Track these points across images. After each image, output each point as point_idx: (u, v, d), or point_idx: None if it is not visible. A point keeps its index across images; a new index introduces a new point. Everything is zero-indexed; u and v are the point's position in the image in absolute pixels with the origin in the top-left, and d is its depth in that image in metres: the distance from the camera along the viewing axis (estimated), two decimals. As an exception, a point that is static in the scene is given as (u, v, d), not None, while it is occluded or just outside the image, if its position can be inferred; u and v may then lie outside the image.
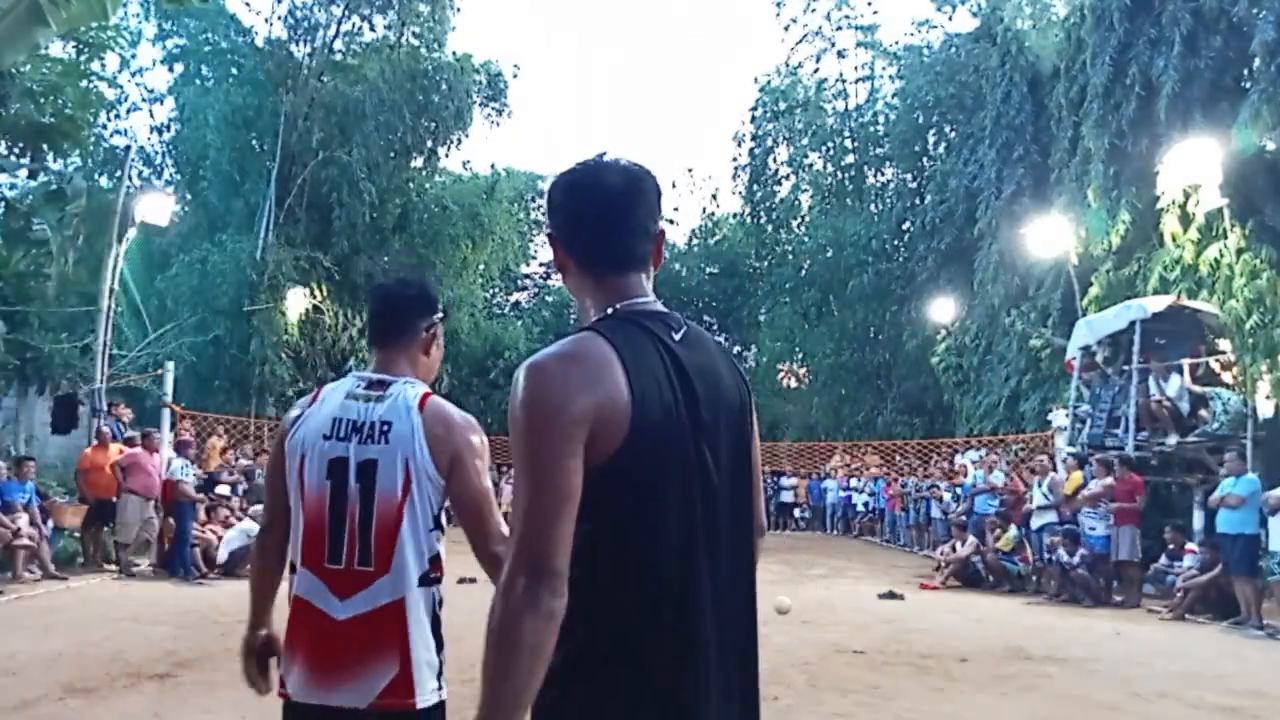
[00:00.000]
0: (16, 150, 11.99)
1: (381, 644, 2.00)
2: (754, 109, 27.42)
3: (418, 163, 24.78)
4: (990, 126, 18.82)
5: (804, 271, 25.85)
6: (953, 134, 22.99)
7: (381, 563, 2.03)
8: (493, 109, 25.48)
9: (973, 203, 19.55)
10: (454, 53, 24.49)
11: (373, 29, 23.67)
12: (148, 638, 7.41)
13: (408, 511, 2.04)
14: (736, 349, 32.65)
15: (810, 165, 26.89)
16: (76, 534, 11.18)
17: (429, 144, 24.39)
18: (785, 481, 21.86)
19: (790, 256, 26.99)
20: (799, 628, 8.02)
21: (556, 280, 34.71)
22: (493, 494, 2.17)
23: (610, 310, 1.53)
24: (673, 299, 32.72)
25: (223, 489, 12.37)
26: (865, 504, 19.99)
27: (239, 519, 11.67)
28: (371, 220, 22.33)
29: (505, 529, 1.97)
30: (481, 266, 27.03)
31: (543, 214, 35.95)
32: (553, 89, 68.00)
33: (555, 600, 1.30)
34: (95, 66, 14.83)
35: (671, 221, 34.35)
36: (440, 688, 2.06)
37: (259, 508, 12.45)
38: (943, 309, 20.32)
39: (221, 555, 11.05)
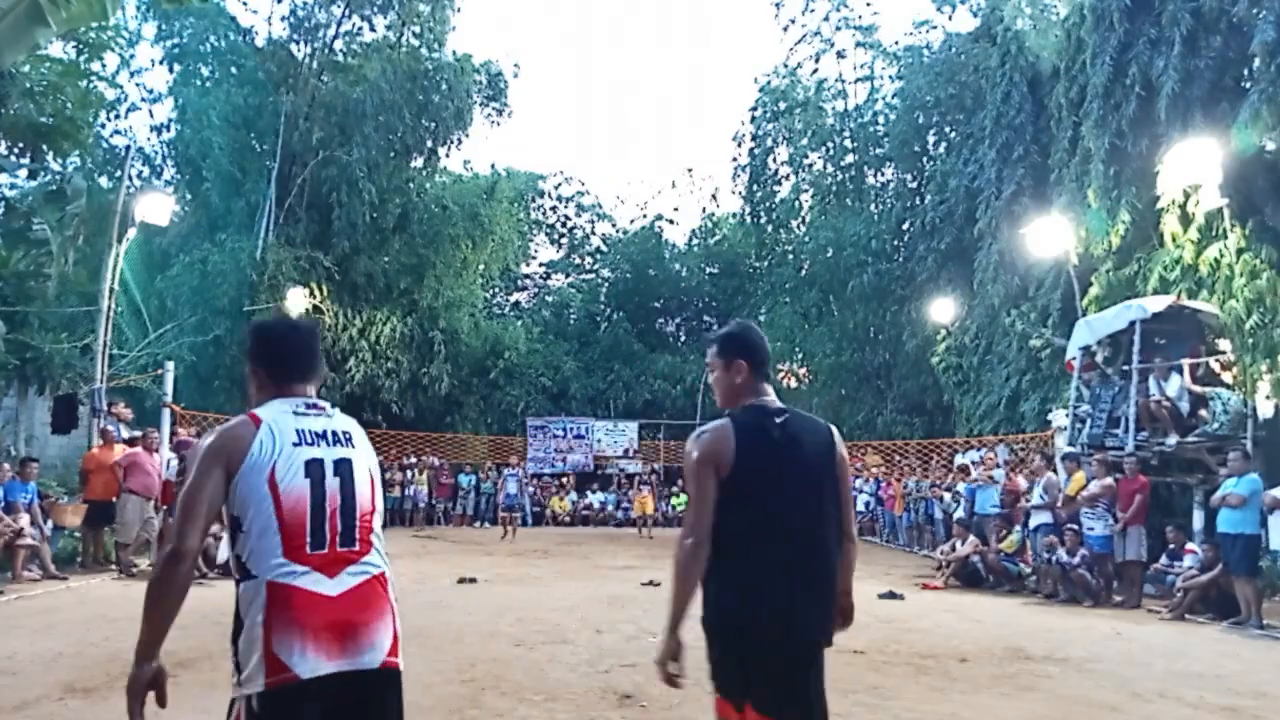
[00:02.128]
0: (16, 150, 11.97)
1: (377, 611, 2.37)
2: (754, 109, 27.42)
3: (418, 163, 24.80)
4: (990, 126, 18.80)
5: (804, 271, 25.83)
6: (953, 134, 22.97)
7: (364, 544, 2.41)
8: (493, 109, 25.55)
9: (972, 203, 19.54)
10: (454, 52, 24.53)
11: (373, 29, 23.73)
12: (147, 638, 7.40)
13: (376, 501, 2.49)
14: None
15: (810, 165, 26.87)
16: (77, 534, 11.18)
17: (429, 144, 24.43)
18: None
19: (790, 256, 26.98)
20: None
21: (556, 280, 34.75)
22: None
23: (743, 407, 2.90)
24: (673, 299, 32.75)
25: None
26: (865, 504, 19.97)
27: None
28: (372, 220, 22.34)
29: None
30: (481, 266, 27.02)
31: (543, 214, 35.91)
32: (552, 88, 68.02)
33: (703, 550, 2.69)
34: (95, 66, 14.82)
35: (671, 221, 34.40)
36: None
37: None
38: (943, 309, 20.31)
39: (221, 555, 11.04)
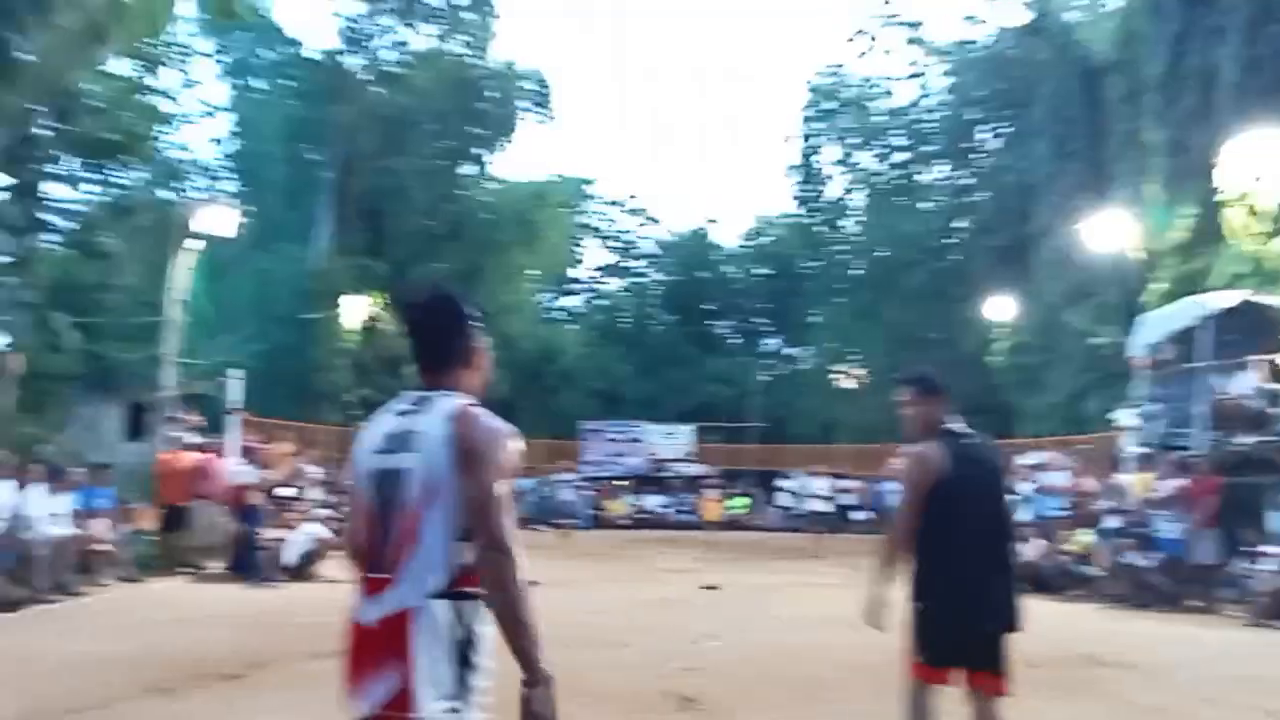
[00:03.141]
0: (85, 165, 12.39)
1: (387, 653, 2.00)
2: (804, 108, 27.29)
3: (468, 170, 25.08)
4: (1043, 121, 18.49)
5: (856, 271, 25.63)
6: (1005, 129, 22.62)
7: (396, 571, 2.04)
8: (540, 114, 25.76)
9: (1027, 199, 19.23)
10: (500, 60, 24.77)
11: (422, 38, 24.03)
12: (219, 639, 7.60)
13: (427, 521, 2.04)
14: (790, 350, 32.48)
15: (860, 164, 26.67)
16: (153, 537, 11.51)
17: (478, 151, 24.71)
18: (846, 484, 21.64)
19: (842, 256, 26.79)
20: (863, 634, 7.96)
21: (608, 284, 34.92)
22: (503, 499, 2.06)
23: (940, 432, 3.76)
24: (725, 301, 32.68)
25: (286, 493, 12.63)
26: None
27: (303, 522, 11.90)
28: (424, 227, 22.67)
29: (505, 535, 2.03)
30: (533, 272, 27.23)
31: (593, 218, 35.99)
32: (598, 92, 68.38)
33: (910, 541, 3.68)
34: (155, 82, 15.26)
35: (717, 222, 34.41)
36: (455, 710, 2.00)
37: (324, 510, 12.71)
38: (999, 307, 19.98)
39: (289, 558, 11.28)
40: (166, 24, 12.87)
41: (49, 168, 11.32)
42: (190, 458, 11.77)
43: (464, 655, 2.03)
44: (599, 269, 35.43)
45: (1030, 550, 12.12)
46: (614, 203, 35.11)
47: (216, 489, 11.42)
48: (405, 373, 21.26)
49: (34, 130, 10.61)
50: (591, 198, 34.41)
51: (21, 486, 9.20)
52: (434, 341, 2.25)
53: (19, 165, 10.57)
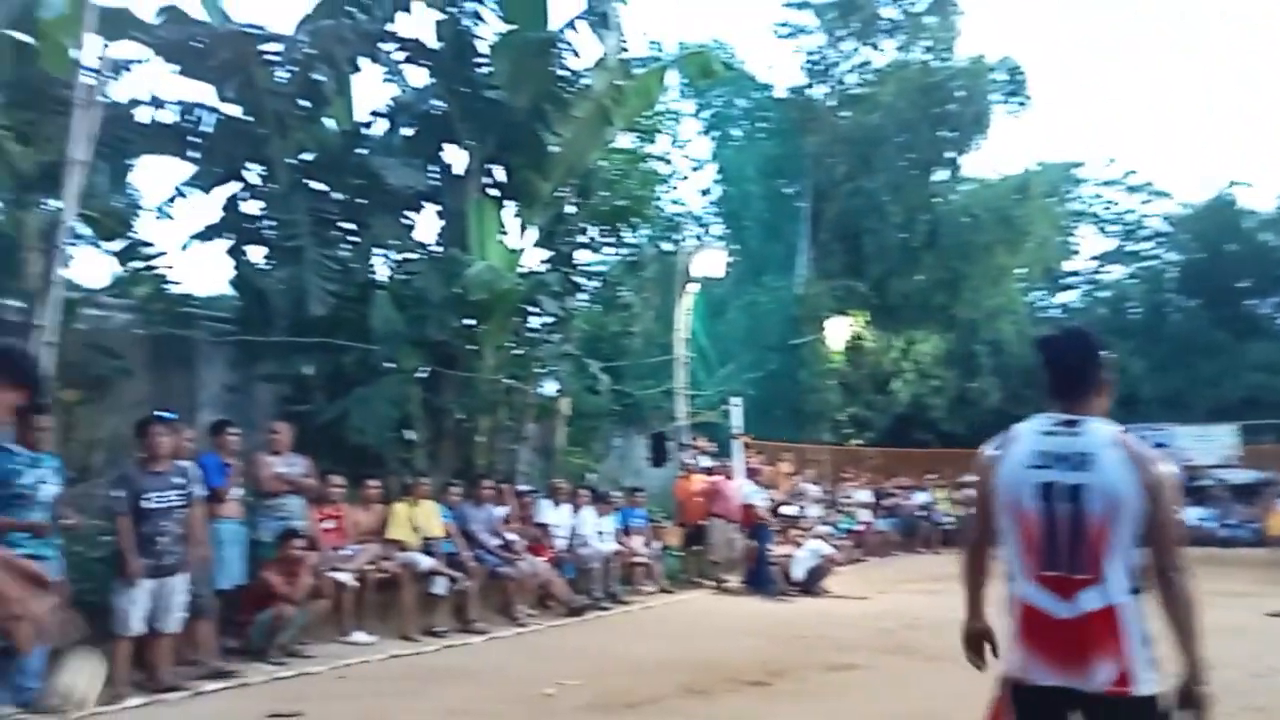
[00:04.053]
0: (603, 231, 14.32)
1: (1100, 642, 2.42)
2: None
3: (941, 175, 24.46)
4: None
5: None
6: None
7: (1093, 573, 2.45)
8: (1014, 104, 24.29)
9: None
10: (966, 57, 23.84)
11: (882, 53, 24.07)
12: (742, 647, 8.21)
13: (1112, 530, 2.44)
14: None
15: None
16: (678, 553, 12.85)
17: (950, 154, 24.00)
18: None
19: None
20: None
21: (1110, 273, 31.47)
22: (1178, 523, 2.53)
23: None
24: (1263, 276, 27.55)
25: (790, 511, 13.30)
26: None
27: (808, 539, 12.42)
28: (901, 241, 22.55)
29: (1182, 555, 2.46)
30: (1020, 271, 25.60)
31: (1085, 204, 32.72)
32: (1078, 66, 62.22)
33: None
34: (652, 149, 17.23)
35: (1247, 185, 29.13)
36: (1156, 680, 2.44)
37: (824, 528, 13.17)
38: None
39: (797, 573, 11.85)
40: (659, 97, 14.45)
41: (577, 238, 13.28)
42: (703, 480, 12.95)
43: (1146, 639, 2.46)
44: (1097, 258, 32.00)
45: None
46: (1109, 182, 31.60)
47: (729, 508, 12.41)
48: (892, 389, 21.35)
49: (565, 209, 12.58)
50: (1082, 181, 31.36)
51: (575, 509, 10.90)
52: (1073, 372, 2.63)
53: (555, 240, 12.59)
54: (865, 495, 17.23)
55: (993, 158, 45.22)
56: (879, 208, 22.11)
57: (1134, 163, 34.38)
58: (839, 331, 20.66)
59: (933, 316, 23.32)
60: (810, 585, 11.70)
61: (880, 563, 15.83)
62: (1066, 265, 31.12)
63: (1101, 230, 32.10)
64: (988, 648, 2.82)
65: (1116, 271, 31.26)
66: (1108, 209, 31.96)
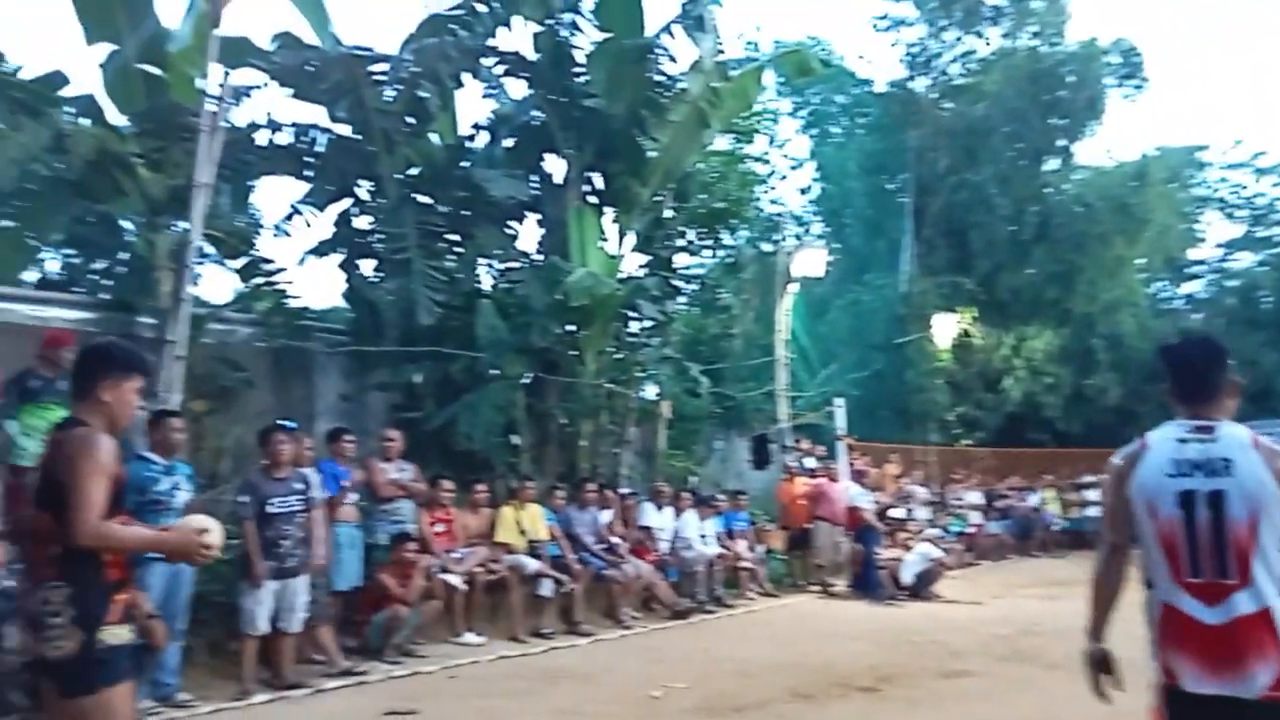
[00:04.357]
0: (701, 234, 14.32)
1: (1256, 646, 2.43)
2: None
3: (1052, 164, 23.59)
4: None
5: None
6: None
7: (1241, 577, 2.47)
8: (1129, 88, 23.25)
9: None
10: (1077, 41, 22.95)
11: (987, 42, 23.38)
12: (850, 652, 8.10)
13: (1257, 533, 2.46)
14: None
15: None
16: (782, 556, 12.75)
17: (1061, 142, 23.14)
18: None
19: None
20: None
21: (1235, 262, 29.74)
22: None
23: None
24: None
25: (898, 513, 13.04)
26: None
27: (917, 542, 12.16)
28: (1010, 234, 21.85)
29: None
30: (1140, 261, 24.45)
31: (1210, 189, 31.02)
32: (1201, 42, 58.97)
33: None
34: (749, 150, 17.15)
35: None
36: None
37: (934, 531, 12.87)
38: None
39: (906, 577, 11.61)
40: (757, 97, 14.37)
41: (676, 242, 13.32)
42: (806, 483, 12.81)
43: None
44: (1224, 245, 30.26)
45: None
46: (1236, 165, 29.89)
47: (834, 511, 12.24)
48: (1003, 387, 20.65)
49: (663, 213, 12.64)
50: (1205, 165, 29.75)
51: (678, 513, 10.93)
52: (1201, 378, 2.67)
53: (653, 244, 12.65)
54: (976, 497, 16.77)
55: (1108, 144, 43.26)
56: (986, 200, 21.48)
57: (1263, 143, 32.34)
58: (946, 329, 20.15)
59: (1045, 311, 22.49)
60: (920, 589, 11.46)
61: (993, 566, 15.41)
62: (1191, 254, 29.54)
63: (1228, 216, 30.34)
64: (1105, 679, 2.80)
65: (1245, 259, 29.46)
66: (1235, 193, 30.22)
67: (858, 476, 12.68)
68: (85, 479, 2.70)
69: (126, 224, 9.50)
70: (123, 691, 2.79)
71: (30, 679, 4.80)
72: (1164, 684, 2.59)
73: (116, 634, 2.77)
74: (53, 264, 10.77)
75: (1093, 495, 17.49)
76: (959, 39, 23.16)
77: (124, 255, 9.60)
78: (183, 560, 3.49)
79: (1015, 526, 17.16)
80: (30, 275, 10.02)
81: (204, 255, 8.73)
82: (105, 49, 8.87)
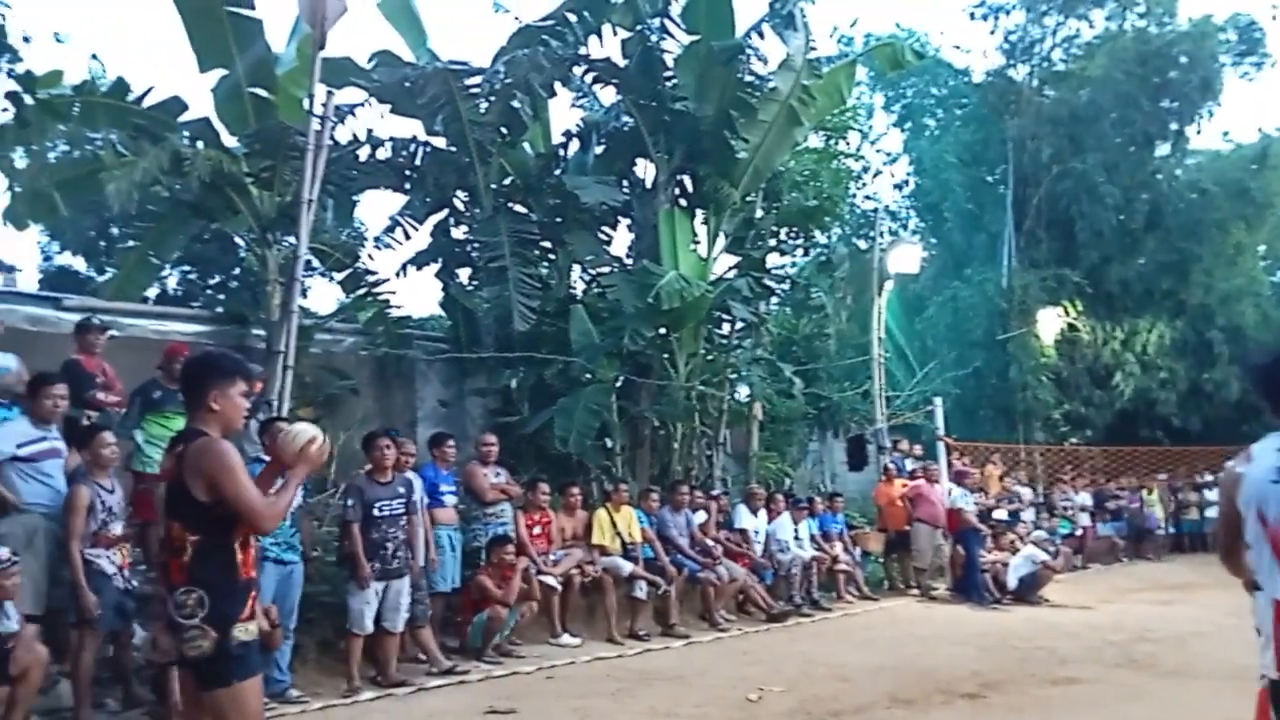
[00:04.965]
0: (792, 233, 14.19)
1: None
2: None
3: (1163, 150, 22.53)
4: None
5: None
6: None
7: None
8: (1248, 65, 22.02)
9: None
10: (1190, 20, 21.86)
11: (1091, 25, 22.49)
12: (952, 657, 7.93)
13: None
14: None
15: None
16: (880, 559, 12.54)
17: (1173, 126, 22.06)
18: None
19: None
20: None
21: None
22: None
23: None
24: None
25: (1002, 515, 12.67)
26: None
27: (1022, 545, 11.81)
28: (1118, 224, 20.96)
29: None
30: (1261, 248, 23.17)
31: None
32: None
33: None
34: (841, 146, 16.89)
35: None
36: None
37: (1040, 533, 12.46)
38: None
39: (1011, 580, 11.29)
40: (848, 93, 14.18)
41: (767, 242, 13.24)
42: (904, 484, 12.56)
43: None
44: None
45: None
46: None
47: (934, 513, 11.97)
48: (1113, 383, 19.83)
49: (754, 214, 12.58)
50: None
51: (772, 515, 10.87)
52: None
53: (744, 245, 12.61)
54: (1084, 498, 16.13)
55: (1225, 126, 41.05)
56: (1092, 189, 20.64)
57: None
58: (1051, 324, 19.47)
59: (1157, 303, 21.49)
60: (1025, 593, 11.13)
61: (1104, 570, 14.88)
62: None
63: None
64: None
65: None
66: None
67: (959, 478, 12.36)
68: (233, 483, 2.96)
69: (239, 241, 9.98)
70: (253, 684, 3.07)
71: (159, 674, 5.12)
72: (1273, 679, 2.75)
73: (248, 630, 3.04)
74: (171, 280, 11.39)
75: (1213, 495, 16.60)
76: (1061, 23, 22.35)
77: (237, 270, 10.10)
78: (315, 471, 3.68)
79: (1128, 528, 16.47)
80: (151, 291, 10.63)
81: (311, 268, 9.12)
82: (217, 74, 9.35)
